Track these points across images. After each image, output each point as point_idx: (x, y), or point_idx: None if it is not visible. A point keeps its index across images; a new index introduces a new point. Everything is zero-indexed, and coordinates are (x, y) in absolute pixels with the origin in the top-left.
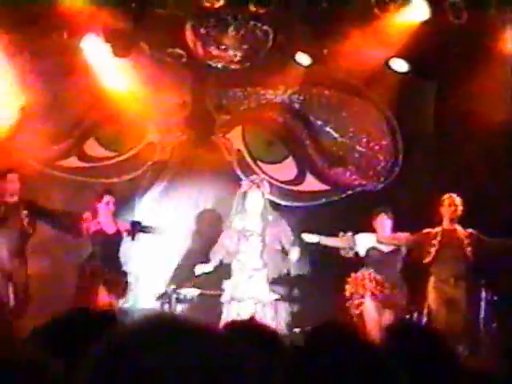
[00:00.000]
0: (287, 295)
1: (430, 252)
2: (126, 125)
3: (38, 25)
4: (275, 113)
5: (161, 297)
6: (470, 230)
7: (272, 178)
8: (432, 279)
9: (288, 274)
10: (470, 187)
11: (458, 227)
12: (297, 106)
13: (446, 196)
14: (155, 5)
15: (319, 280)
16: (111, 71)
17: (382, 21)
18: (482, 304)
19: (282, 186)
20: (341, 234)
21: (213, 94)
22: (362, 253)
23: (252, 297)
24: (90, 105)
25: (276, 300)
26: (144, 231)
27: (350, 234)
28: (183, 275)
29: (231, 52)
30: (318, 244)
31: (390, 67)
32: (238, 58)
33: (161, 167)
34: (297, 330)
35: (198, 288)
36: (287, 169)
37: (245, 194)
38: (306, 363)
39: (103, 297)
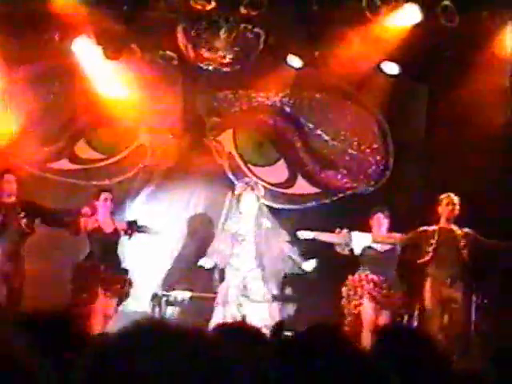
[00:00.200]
0: (281, 296)
1: (428, 251)
2: (117, 127)
3: (29, 27)
4: (266, 115)
5: (151, 299)
6: (466, 230)
7: (263, 180)
8: (429, 279)
9: (285, 276)
10: (461, 190)
11: (455, 227)
12: (288, 108)
13: (444, 195)
14: (147, 7)
15: (316, 281)
16: (102, 74)
17: (374, 24)
18: (473, 307)
19: (273, 188)
20: (337, 230)
21: (204, 96)
22: (358, 251)
23: (244, 299)
24: (81, 107)
25: (270, 301)
26: (140, 231)
27: (345, 230)
28: (174, 278)
29: (222, 54)
30: (314, 244)
31: (381, 70)
32: (229, 60)
33: (152, 170)
34: (288, 333)
35: (190, 291)
36: (278, 172)
37: (239, 196)
38: (296, 366)
39: (101, 297)
